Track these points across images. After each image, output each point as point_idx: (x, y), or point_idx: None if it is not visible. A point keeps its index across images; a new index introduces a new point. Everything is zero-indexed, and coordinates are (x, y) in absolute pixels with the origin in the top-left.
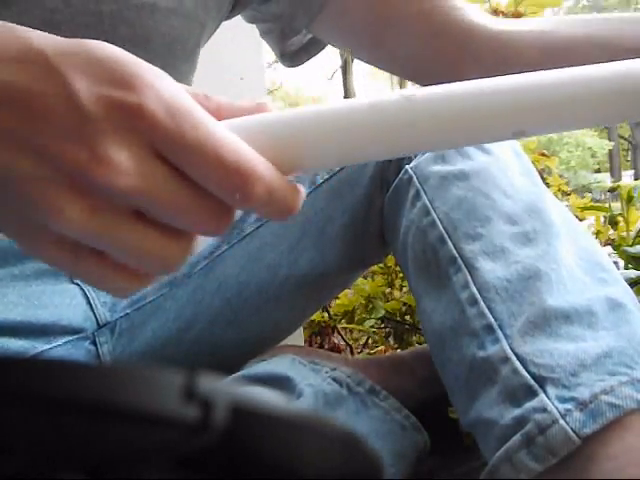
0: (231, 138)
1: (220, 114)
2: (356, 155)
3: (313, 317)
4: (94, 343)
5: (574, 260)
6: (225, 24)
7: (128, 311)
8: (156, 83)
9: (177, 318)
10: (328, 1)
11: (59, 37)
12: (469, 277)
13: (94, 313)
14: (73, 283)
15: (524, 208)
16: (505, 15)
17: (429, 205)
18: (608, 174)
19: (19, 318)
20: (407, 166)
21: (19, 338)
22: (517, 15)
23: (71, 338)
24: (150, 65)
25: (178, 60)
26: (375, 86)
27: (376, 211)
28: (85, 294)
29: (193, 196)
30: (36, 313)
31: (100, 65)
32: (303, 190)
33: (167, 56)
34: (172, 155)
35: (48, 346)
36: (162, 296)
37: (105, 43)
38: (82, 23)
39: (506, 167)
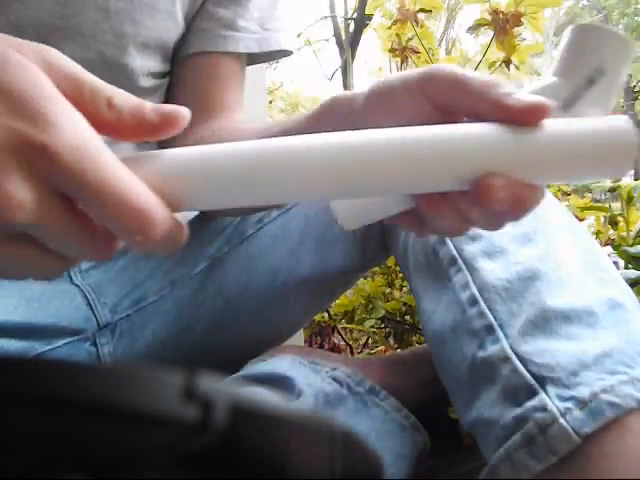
0: (132, 180)
1: (122, 124)
2: (244, 199)
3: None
4: (94, 344)
5: (574, 260)
6: None
7: (129, 312)
8: (64, 122)
9: (178, 320)
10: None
11: None
12: (469, 277)
13: (94, 314)
14: (73, 284)
15: None
16: (505, 15)
17: None
18: None
19: (19, 319)
20: None
21: (19, 339)
22: (517, 15)
23: (71, 339)
24: (63, 101)
25: (167, 65)
26: None
27: None
28: (85, 295)
29: (86, 233)
30: (36, 315)
31: (13, 97)
32: (186, 226)
33: (163, 59)
34: (74, 194)
35: (48, 347)
36: (163, 297)
37: (31, 69)
38: (90, 18)
39: None
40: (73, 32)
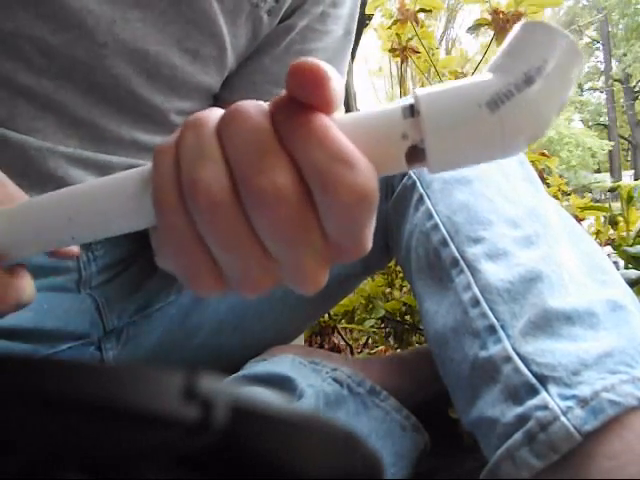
0: None
1: None
2: (46, 244)
3: None
4: (99, 349)
5: (575, 262)
6: None
7: (135, 318)
8: None
9: (182, 325)
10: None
11: None
12: (471, 279)
13: (102, 319)
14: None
15: (526, 212)
16: (505, 15)
17: (432, 209)
18: (608, 174)
19: (25, 322)
20: (410, 171)
21: (23, 342)
22: (517, 15)
23: (76, 343)
24: None
25: (204, 106)
26: (376, 85)
27: (380, 217)
28: (95, 299)
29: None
30: (43, 318)
31: None
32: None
33: (197, 103)
34: None
35: (52, 350)
36: (169, 304)
37: None
38: (127, 59)
39: (508, 173)
40: (106, 73)
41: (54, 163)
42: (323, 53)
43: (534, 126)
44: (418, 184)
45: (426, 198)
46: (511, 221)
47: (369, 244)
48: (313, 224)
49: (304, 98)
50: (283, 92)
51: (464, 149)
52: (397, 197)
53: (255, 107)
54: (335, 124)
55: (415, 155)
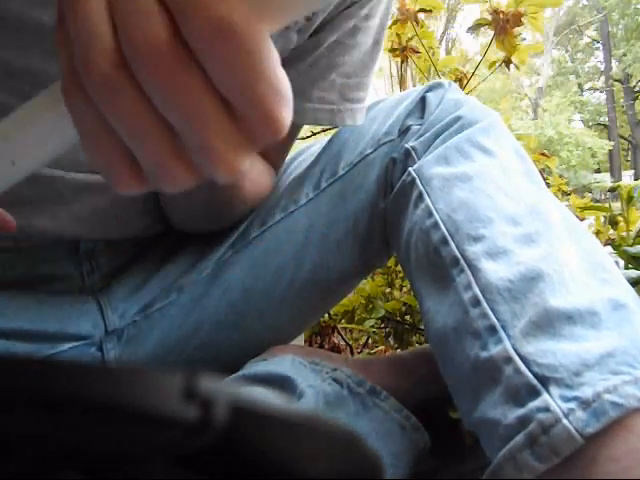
0: None
1: None
2: None
3: None
4: (100, 349)
5: (576, 261)
6: None
7: (136, 318)
8: None
9: (183, 324)
10: None
11: None
12: (472, 278)
13: (104, 320)
14: (86, 291)
15: (526, 209)
16: (505, 15)
17: (432, 207)
18: (608, 174)
19: (27, 322)
20: (410, 168)
21: (25, 342)
22: (517, 15)
23: (77, 343)
24: None
25: None
26: (376, 86)
27: (379, 214)
28: (97, 301)
29: None
30: (45, 319)
31: None
32: None
33: None
34: None
35: (53, 351)
36: (169, 303)
37: None
38: None
39: (508, 169)
40: None
41: (64, 189)
42: (350, 65)
43: None
44: (417, 181)
45: (425, 195)
46: (511, 219)
47: (276, 112)
48: (200, 84)
49: None
50: None
51: None
52: (396, 194)
53: None
54: None
55: None
